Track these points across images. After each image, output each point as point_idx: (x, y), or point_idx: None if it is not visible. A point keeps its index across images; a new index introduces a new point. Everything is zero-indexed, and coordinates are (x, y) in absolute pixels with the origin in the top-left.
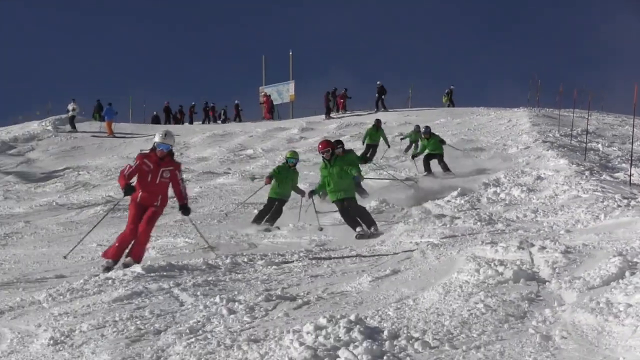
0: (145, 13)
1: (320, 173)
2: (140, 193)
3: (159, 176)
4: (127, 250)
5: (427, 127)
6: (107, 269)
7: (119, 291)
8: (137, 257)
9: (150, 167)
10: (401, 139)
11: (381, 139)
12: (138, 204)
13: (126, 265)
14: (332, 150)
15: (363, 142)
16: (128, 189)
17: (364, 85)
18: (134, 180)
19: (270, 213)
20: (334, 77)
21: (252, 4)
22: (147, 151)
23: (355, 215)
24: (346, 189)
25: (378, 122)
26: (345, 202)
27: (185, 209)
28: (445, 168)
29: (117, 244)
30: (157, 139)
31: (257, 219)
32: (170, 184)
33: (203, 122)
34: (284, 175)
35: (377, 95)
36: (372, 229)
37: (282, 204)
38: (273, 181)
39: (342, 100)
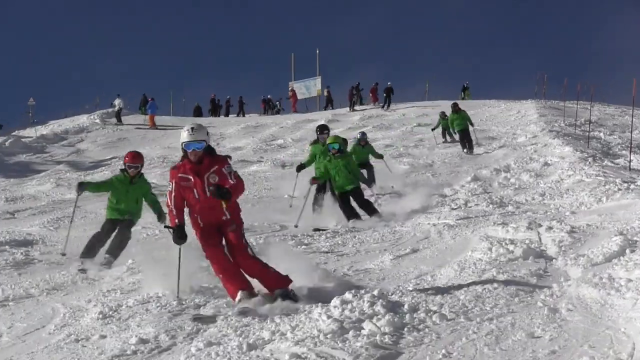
0: (185, 14)
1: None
2: (198, 215)
3: (206, 185)
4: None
5: (363, 134)
6: (244, 295)
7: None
8: (280, 284)
9: (189, 180)
10: (432, 129)
11: (467, 121)
12: (204, 230)
13: (287, 297)
14: (140, 167)
15: (454, 132)
16: (178, 234)
17: (385, 81)
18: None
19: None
20: (357, 73)
21: (282, 5)
22: (179, 162)
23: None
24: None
25: (455, 105)
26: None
27: (219, 190)
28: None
29: (226, 280)
30: (182, 138)
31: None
32: None
33: (237, 115)
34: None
35: (385, 95)
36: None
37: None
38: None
39: (370, 95)
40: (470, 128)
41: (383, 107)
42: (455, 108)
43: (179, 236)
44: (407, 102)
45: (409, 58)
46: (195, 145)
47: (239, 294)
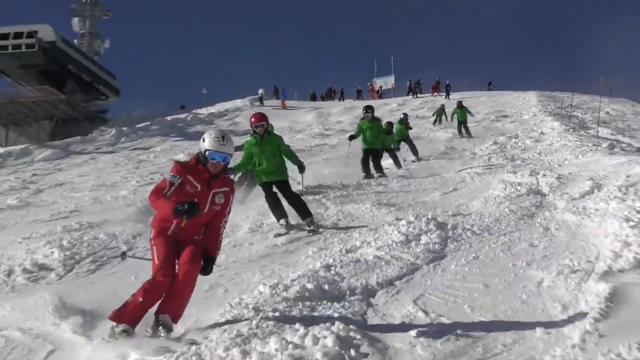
0: (306, 28)
1: (245, 150)
2: (175, 226)
3: (208, 202)
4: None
5: (406, 115)
6: (124, 332)
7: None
8: (174, 314)
9: (196, 188)
10: (433, 114)
11: (466, 115)
12: (169, 238)
13: (163, 325)
14: (267, 125)
15: (451, 120)
16: (191, 208)
17: (440, 77)
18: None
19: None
20: (417, 70)
21: (365, 15)
22: (188, 159)
23: (289, 202)
24: (280, 171)
25: (460, 103)
26: (277, 186)
27: (209, 264)
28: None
29: (140, 299)
30: (207, 144)
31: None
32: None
33: (339, 100)
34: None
35: (445, 88)
36: (308, 221)
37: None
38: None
39: (432, 89)
40: (469, 118)
41: (445, 97)
42: (460, 105)
43: (193, 209)
44: (453, 93)
45: (452, 59)
46: (223, 157)
47: (125, 327)
